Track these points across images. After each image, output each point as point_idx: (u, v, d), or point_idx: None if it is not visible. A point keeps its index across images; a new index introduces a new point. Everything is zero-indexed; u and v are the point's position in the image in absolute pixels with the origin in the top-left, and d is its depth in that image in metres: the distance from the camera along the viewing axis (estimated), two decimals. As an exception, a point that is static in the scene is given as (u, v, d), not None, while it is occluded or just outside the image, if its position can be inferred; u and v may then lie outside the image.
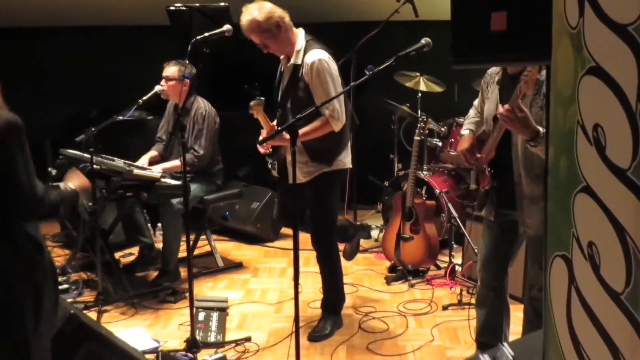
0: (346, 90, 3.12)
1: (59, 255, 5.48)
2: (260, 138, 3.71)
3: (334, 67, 3.62)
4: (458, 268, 4.77)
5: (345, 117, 3.61)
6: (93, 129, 4.29)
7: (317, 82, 3.55)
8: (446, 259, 4.88)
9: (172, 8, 6.02)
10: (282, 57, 3.79)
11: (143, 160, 4.99)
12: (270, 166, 3.90)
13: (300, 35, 3.69)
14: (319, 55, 3.57)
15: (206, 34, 3.52)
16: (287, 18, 3.62)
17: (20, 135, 2.04)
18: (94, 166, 4.13)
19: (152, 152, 5.11)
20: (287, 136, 2.93)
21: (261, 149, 3.78)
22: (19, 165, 2.05)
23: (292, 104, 3.69)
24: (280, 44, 3.63)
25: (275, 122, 3.77)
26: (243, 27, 3.56)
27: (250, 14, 3.53)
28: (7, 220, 2.09)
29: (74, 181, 2.55)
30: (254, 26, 3.53)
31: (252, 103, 3.55)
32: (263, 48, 3.64)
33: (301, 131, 3.43)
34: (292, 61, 3.66)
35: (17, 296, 2.07)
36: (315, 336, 3.85)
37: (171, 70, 4.86)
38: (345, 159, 3.78)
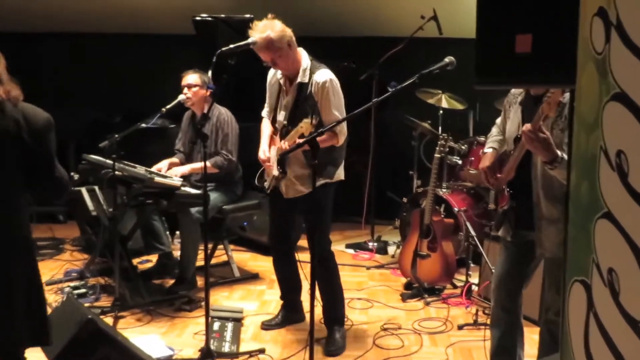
0: (368, 107, 3.13)
1: (77, 260, 5.53)
2: (263, 150, 3.85)
3: (339, 85, 3.78)
4: (475, 288, 4.74)
5: (346, 133, 3.77)
6: (117, 135, 4.33)
7: (327, 100, 3.69)
8: (463, 278, 4.86)
9: (197, 18, 6.08)
10: (279, 76, 3.88)
11: (163, 164, 5.00)
12: (265, 183, 3.98)
13: (304, 55, 3.80)
14: (329, 75, 3.73)
15: (232, 46, 3.55)
16: (294, 37, 3.73)
17: (53, 130, 2.39)
18: (116, 172, 4.17)
19: (174, 159, 5.14)
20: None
21: (267, 163, 3.88)
22: (54, 155, 2.40)
23: (295, 120, 3.76)
24: (289, 61, 3.74)
25: (277, 138, 3.87)
26: (258, 48, 3.65)
27: (262, 31, 3.61)
28: (23, 200, 2.41)
29: None
30: (268, 43, 3.61)
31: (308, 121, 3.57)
32: (273, 65, 3.75)
33: (291, 133, 3.63)
34: (299, 79, 3.76)
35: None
36: (332, 351, 3.84)
37: (193, 77, 4.90)
38: (341, 172, 3.92)
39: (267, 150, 3.90)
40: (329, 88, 3.68)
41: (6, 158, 2.27)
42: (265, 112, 4.08)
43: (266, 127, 4.02)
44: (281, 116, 3.88)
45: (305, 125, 3.45)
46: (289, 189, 3.88)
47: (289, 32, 3.69)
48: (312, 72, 3.74)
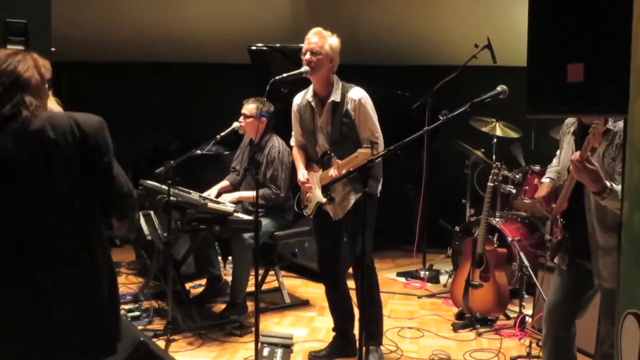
0: (419, 135, 3.14)
1: (132, 283, 5.64)
2: (302, 173, 3.94)
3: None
4: (528, 319, 4.64)
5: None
6: (172, 162, 4.43)
7: (364, 116, 3.78)
8: (516, 309, 4.77)
9: (253, 47, 6.21)
10: (310, 98, 3.92)
11: (213, 191, 5.10)
12: (303, 207, 4.02)
13: (336, 78, 3.88)
14: (363, 92, 3.82)
15: (284, 75, 3.61)
16: (336, 65, 3.86)
17: (107, 130, 2.30)
18: (171, 198, 4.26)
19: (224, 183, 5.24)
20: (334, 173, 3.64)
21: (306, 185, 3.93)
22: (112, 159, 2.31)
23: (332, 140, 3.83)
24: (322, 73, 3.80)
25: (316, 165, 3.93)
26: (314, 33, 3.79)
27: (329, 35, 3.81)
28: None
29: None
30: (324, 43, 3.77)
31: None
32: (308, 64, 3.75)
33: (345, 160, 3.66)
34: (331, 98, 3.82)
35: None
36: None
37: (249, 107, 5.00)
38: (379, 186, 3.94)
39: (305, 173, 3.96)
40: (365, 104, 3.77)
41: (67, 172, 2.21)
42: (293, 141, 4.15)
43: (298, 154, 4.09)
44: (321, 139, 3.92)
45: (362, 155, 3.47)
46: (336, 210, 3.91)
47: (337, 57, 3.84)
48: (345, 91, 3.81)
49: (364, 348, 3.39)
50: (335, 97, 3.81)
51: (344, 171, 3.61)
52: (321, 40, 3.77)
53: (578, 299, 3.01)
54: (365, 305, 3.91)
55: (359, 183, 3.73)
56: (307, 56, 3.75)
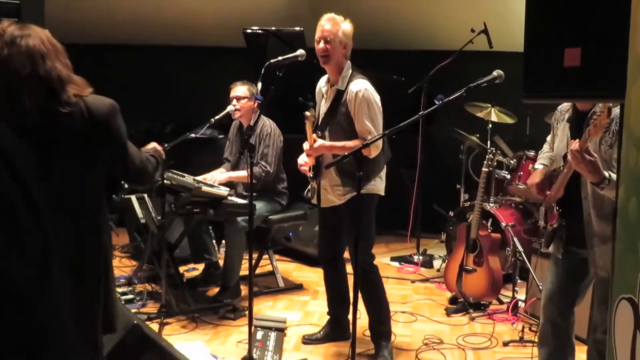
0: (414, 120, 3.13)
1: (126, 266, 5.63)
2: (305, 156, 3.90)
3: (377, 97, 3.75)
4: (521, 304, 4.67)
5: (380, 147, 3.69)
6: (166, 145, 4.40)
7: (360, 110, 3.67)
8: (509, 293, 4.79)
9: (248, 31, 6.18)
10: (322, 84, 3.93)
11: (209, 176, 5.08)
12: (309, 193, 3.99)
13: (347, 64, 3.81)
14: (364, 85, 3.71)
15: (280, 58, 3.60)
16: (350, 50, 3.80)
17: (119, 115, 2.35)
18: (165, 181, 4.25)
19: (221, 170, 5.22)
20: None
21: (304, 167, 3.92)
22: (125, 143, 2.37)
23: (331, 128, 3.81)
24: (335, 59, 3.74)
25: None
26: (327, 20, 3.72)
27: (342, 20, 3.73)
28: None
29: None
30: (337, 29, 3.70)
31: (308, 113, 3.74)
32: (322, 53, 3.72)
33: (339, 144, 3.71)
34: (337, 86, 3.78)
35: None
36: None
37: (242, 89, 4.98)
38: (379, 186, 3.84)
39: (304, 156, 3.95)
40: (363, 97, 3.66)
41: (79, 158, 2.19)
42: None
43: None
44: (322, 125, 3.91)
45: (309, 115, 3.61)
46: (323, 198, 3.89)
47: (350, 42, 3.77)
48: (349, 81, 3.75)
49: (364, 342, 3.37)
50: (341, 85, 3.76)
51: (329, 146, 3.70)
52: (334, 26, 3.70)
53: (576, 287, 3.01)
54: (370, 307, 3.95)
55: (348, 177, 3.71)
56: (321, 45, 3.70)
